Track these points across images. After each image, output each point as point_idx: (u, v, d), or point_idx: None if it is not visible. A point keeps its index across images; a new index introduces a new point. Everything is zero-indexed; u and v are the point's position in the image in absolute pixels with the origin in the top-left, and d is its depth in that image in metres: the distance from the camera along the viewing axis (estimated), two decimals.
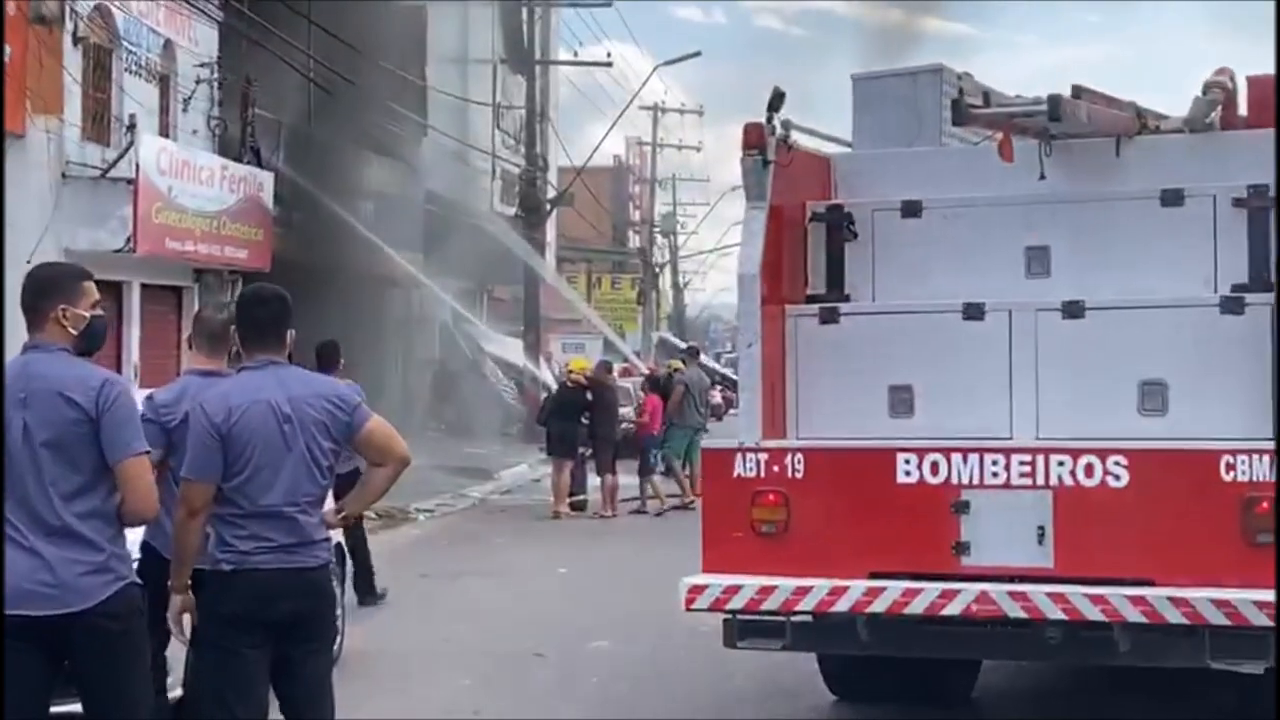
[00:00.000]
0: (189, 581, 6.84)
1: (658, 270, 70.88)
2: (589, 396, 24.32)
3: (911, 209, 9.88)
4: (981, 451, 8.94)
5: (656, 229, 72.07)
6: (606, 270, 67.27)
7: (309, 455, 6.72)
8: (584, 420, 24.31)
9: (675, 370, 27.06)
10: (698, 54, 48.96)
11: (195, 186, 23.20)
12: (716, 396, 46.23)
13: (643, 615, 14.20)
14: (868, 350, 9.66)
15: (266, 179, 25.89)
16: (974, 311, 9.45)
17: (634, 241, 70.88)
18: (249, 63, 25.93)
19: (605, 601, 15.53)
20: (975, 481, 8.92)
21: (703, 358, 32.03)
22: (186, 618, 6.85)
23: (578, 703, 11.08)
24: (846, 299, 9.92)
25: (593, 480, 25.02)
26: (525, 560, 18.97)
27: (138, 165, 21.34)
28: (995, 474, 8.89)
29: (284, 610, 6.67)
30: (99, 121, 22.65)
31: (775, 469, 9.23)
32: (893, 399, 9.60)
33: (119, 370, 22.30)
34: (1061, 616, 8.49)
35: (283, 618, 6.68)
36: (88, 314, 6.23)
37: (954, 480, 8.96)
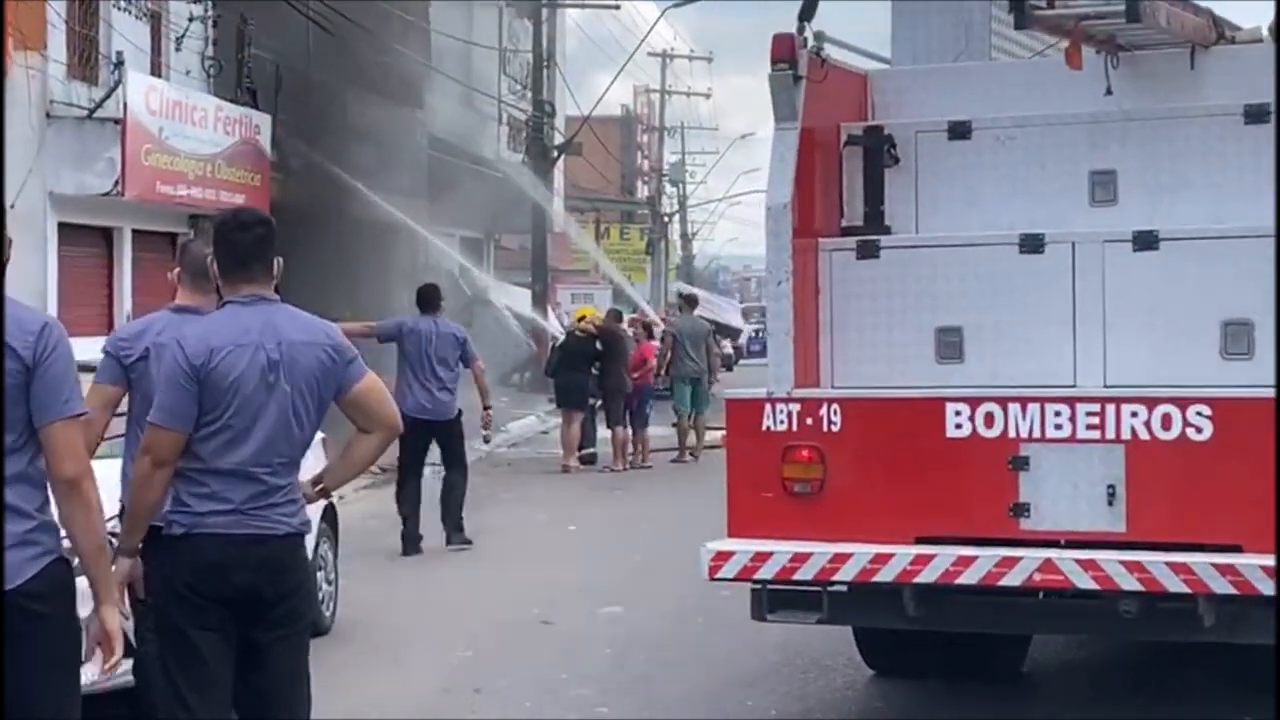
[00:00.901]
0: (140, 544, 5.91)
1: (666, 219, 70.06)
2: (598, 346, 23.48)
3: (960, 130, 8.86)
4: (1042, 401, 7.95)
5: (665, 177, 71.12)
6: (615, 220, 66.58)
7: (292, 411, 5.79)
8: (594, 371, 23.47)
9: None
10: None
11: (188, 128, 22.17)
12: (728, 346, 45.50)
13: (658, 576, 13.32)
14: (911, 288, 8.65)
15: (264, 121, 24.88)
16: (1032, 243, 8.43)
17: (642, 192, 70.08)
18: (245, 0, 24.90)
19: (618, 562, 14.61)
20: (1036, 435, 7.94)
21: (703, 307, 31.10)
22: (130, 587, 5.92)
23: (589, 678, 10.10)
24: (887, 231, 8.92)
25: (603, 433, 24.11)
26: (533, 517, 18.06)
27: (125, 104, 20.29)
28: (1058, 426, 7.90)
29: (240, 584, 5.70)
30: (86, 60, 21.61)
31: (809, 421, 8.26)
32: (940, 342, 8.59)
33: (110, 320, 21.48)
34: (1138, 587, 7.50)
35: (240, 593, 5.70)
36: None
37: (1011, 433, 7.97)
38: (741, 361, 51.45)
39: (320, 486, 6.16)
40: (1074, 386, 8.23)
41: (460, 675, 10.22)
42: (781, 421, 8.31)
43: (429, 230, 33.49)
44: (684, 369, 24.31)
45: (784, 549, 8.06)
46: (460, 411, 15.42)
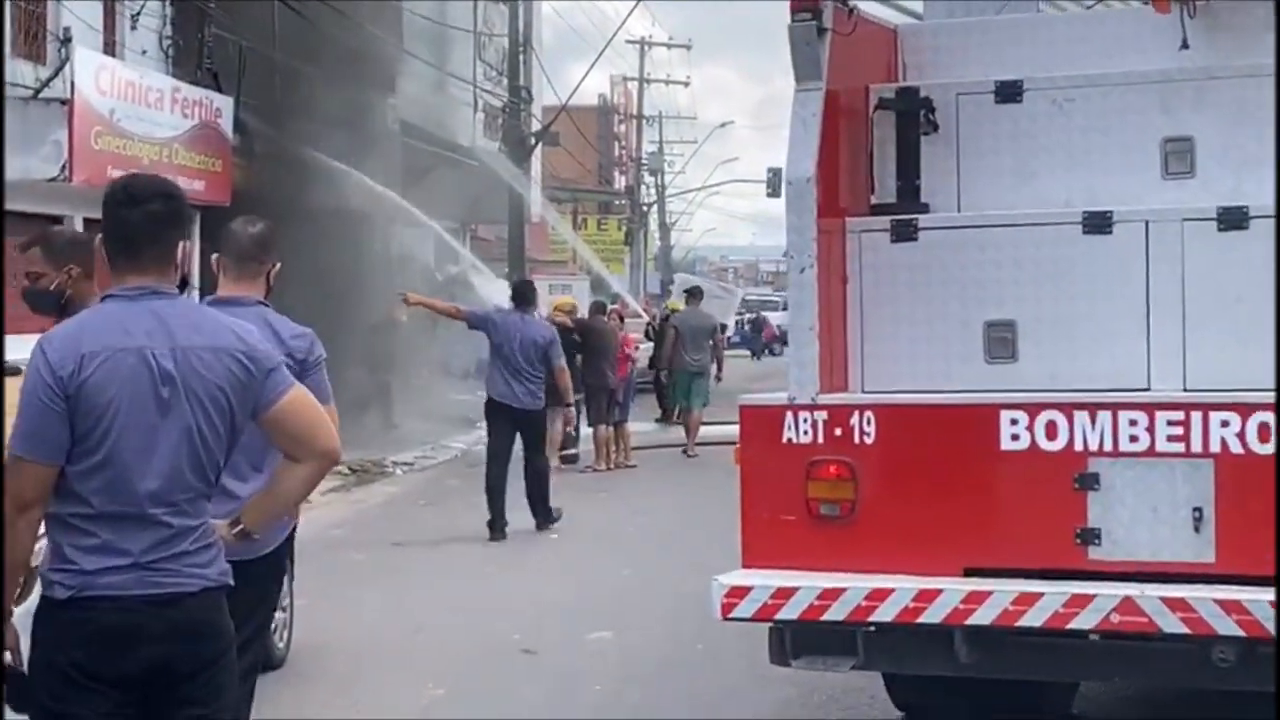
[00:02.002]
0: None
1: (645, 209, 69.17)
2: (576, 339, 22.20)
3: (1009, 91, 7.62)
4: (1115, 408, 6.75)
5: (644, 166, 70.09)
6: (593, 211, 65.92)
7: (196, 434, 4.50)
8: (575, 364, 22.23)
9: (674, 312, 25.38)
10: None
11: (142, 110, 20.95)
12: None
13: (650, 594, 12.19)
14: (955, 275, 7.44)
15: (225, 104, 23.67)
16: (1098, 222, 7.20)
17: (620, 182, 69.27)
18: None
19: (605, 577, 13.40)
20: (1106, 448, 6.75)
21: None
22: (10, 654, 4.67)
23: (577, 716, 8.88)
24: (925, 209, 7.70)
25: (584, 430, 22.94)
26: (511, 523, 16.79)
27: (73, 84, 19.05)
28: (1134, 438, 6.71)
29: (146, 657, 4.42)
30: (32, 37, 20.32)
31: (838, 432, 7.05)
32: (990, 338, 7.37)
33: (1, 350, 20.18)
34: (1237, 632, 6.29)
35: (145, 670, 4.43)
36: None
37: (1077, 446, 6.79)
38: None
39: (239, 528, 4.85)
40: (1148, 390, 7.02)
41: (432, 715, 8.99)
42: (805, 432, 7.10)
43: (404, 219, 32.57)
44: (683, 362, 23.75)
45: (811, 583, 6.85)
46: (545, 405, 15.96)
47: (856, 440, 7.05)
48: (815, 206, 7.14)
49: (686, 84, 73.06)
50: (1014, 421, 6.85)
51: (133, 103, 20.69)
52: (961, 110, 7.71)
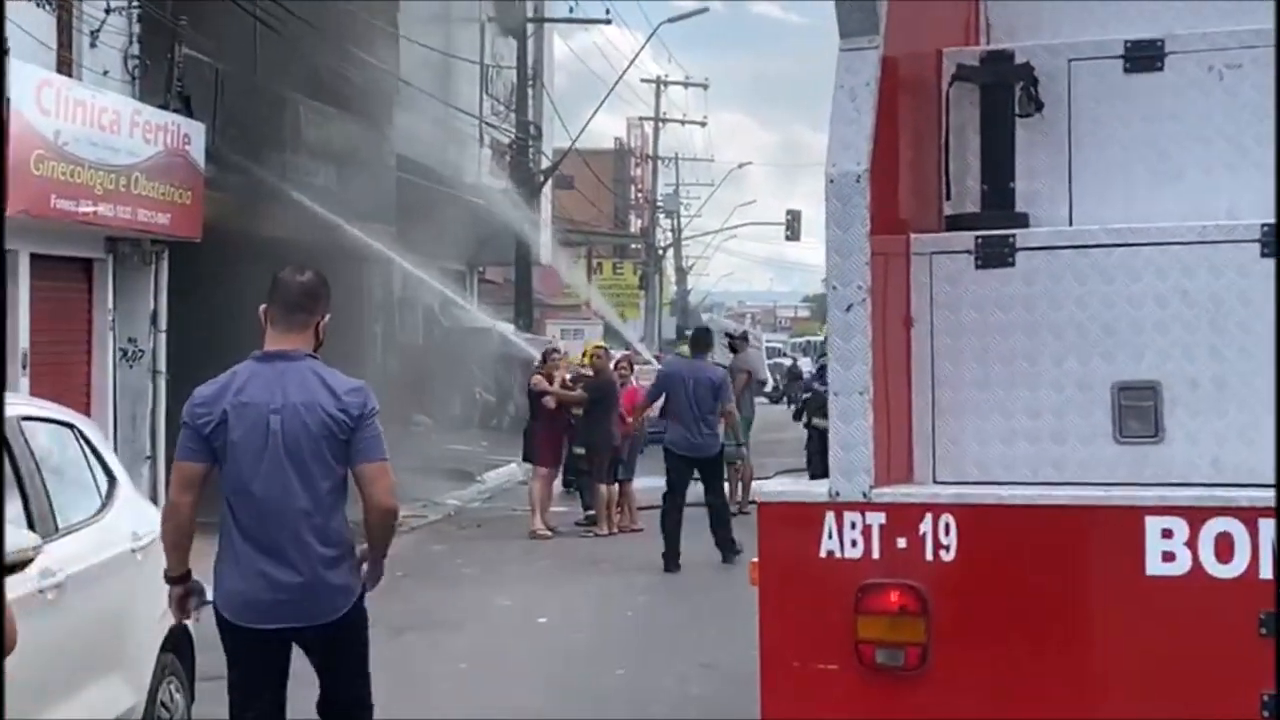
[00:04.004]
0: None
1: (660, 252, 67.55)
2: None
3: (1146, 55, 5.43)
4: None
5: (660, 208, 68.38)
6: (608, 255, 64.67)
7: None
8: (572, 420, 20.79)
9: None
10: (705, 9, 44.74)
11: (94, 133, 18.84)
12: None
13: (649, 703, 9.94)
14: (1070, 316, 5.25)
15: (195, 130, 21.57)
16: None
17: (635, 226, 67.89)
18: None
19: (597, 677, 11.27)
20: None
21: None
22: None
23: None
24: (1024, 221, 5.48)
25: None
26: (494, 603, 14.67)
27: (7, 101, 16.88)
28: None
29: None
30: None
31: (901, 543, 4.87)
32: (1122, 408, 5.16)
33: (1, 364, 18.28)
34: None
35: None
36: None
37: (1263, 572, 4.56)
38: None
39: None
40: None
41: None
42: (854, 543, 4.90)
43: (403, 259, 30.91)
44: (747, 409, 22.82)
45: None
46: (723, 446, 17.52)
47: (929, 556, 4.85)
48: (868, 217, 4.92)
49: (703, 124, 71.29)
50: (1166, 533, 4.64)
51: (83, 124, 18.59)
52: (1076, 82, 5.54)
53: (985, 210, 5.51)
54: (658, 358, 28.02)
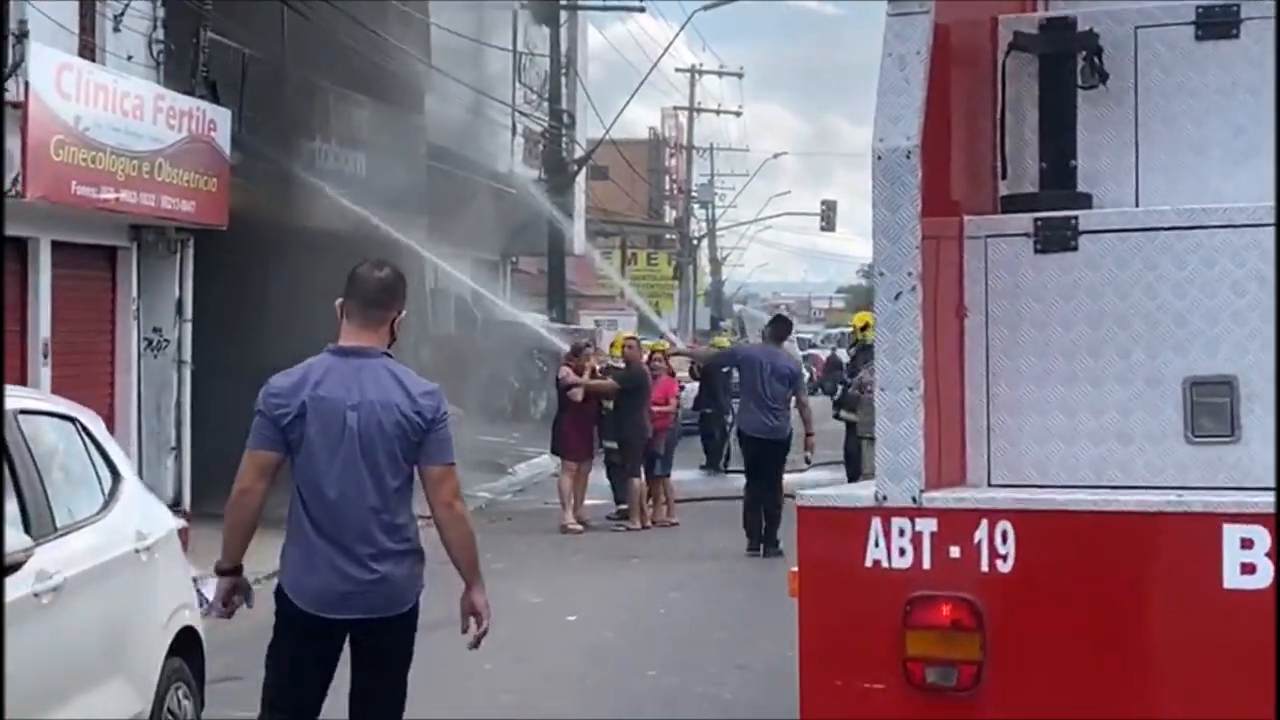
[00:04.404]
0: None
1: (695, 243, 67.35)
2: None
3: (1220, 21, 5.05)
4: None
5: (694, 198, 68.13)
6: (642, 245, 64.58)
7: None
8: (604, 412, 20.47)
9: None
10: None
11: (116, 118, 18.57)
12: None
13: (691, 708, 9.86)
14: (1137, 305, 4.86)
15: (221, 116, 21.31)
16: None
17: (670, 216, 67.76)
18: None
19: (631, 679, 10.92)
20: None
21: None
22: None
23: None
24: (1087, 202, 5.08)
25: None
26: (524, 600, 14.31)
27: (27, 85, 16.61)
28: None
29: None
30: None
31: (954, 552, 4.50)
32: (1195, 405, 4.76)
33: (23, 353, 18.00)
34: None
35: None
36: None
37: None
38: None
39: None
40: None
41: None
42: (903, 551, 4.54)
43: (433, 251, 30.62)
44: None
45: None
46: (790, 432, 17.42)
47: (984, 566, 4.48)
48: (919, 197, 4.53)
49: (738, 113, 70.90)
50: (1246, 542, 4.25)
51: (105, 109, 18.31)
52: (1143, 51, 5.17)
53: (1044, 190, 5.14)
54: (692, 348, 27.81)
